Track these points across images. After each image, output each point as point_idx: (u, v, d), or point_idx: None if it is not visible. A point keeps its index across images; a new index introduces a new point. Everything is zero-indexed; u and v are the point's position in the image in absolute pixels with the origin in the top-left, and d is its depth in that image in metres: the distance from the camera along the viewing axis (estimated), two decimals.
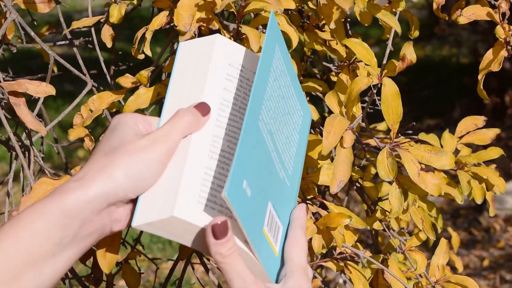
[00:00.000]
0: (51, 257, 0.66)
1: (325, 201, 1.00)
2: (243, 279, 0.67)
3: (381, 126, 1.39)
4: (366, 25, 1.10)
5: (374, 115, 1.24)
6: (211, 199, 0.70)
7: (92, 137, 0.94)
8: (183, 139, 0.72)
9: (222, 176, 0.72)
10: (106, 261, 0.80)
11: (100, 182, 0.67)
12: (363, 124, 1.07)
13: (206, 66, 0.77)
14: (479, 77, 1.00)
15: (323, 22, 1.09)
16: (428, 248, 1.39)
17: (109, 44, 1.03)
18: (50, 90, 0.93)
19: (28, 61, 4.61)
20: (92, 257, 0.90)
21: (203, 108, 0.73)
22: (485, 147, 1.12)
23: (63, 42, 1.19)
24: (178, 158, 0.71)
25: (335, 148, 0.91)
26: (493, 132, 1.12)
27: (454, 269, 1.51)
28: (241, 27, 0.91)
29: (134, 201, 0.71)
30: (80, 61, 1.06)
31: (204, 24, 0.92)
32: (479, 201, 1.05)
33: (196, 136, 0.72)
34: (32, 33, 1.03)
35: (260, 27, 1.06)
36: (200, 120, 0.72)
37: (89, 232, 0.68)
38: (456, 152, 1.09)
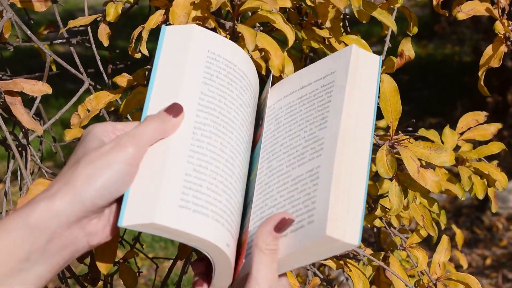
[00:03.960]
0: (19, 274, 0.64)
1: None
2: (273, 275, 0.69)
3: (382, 123, 1.38)
4: (364, 22, 1.09)
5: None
6: (195, 202, 0.68)
7: None
8: (164, 139, 0.71)
9: (200, 181, 0.70)
10: (104, 261, 0.79)
11: (64, 194, 0.65)
12: None
13: (184, 59, 0.76)
14: (480, 73, 0.99)
15: None
16: (431, 245, 1.38)
17: (105, 43, 1.02)
18: (46, 89, 0.92)
19: (30, 60, 4.61)
20: (89, 256, 0.89)
21: (174, 110, 0.72)
22: (486, 143, 1.11)
23: (61, 41, 1.18)
24: (158, 159, 0.70)
25: None
26: (495, 127, 1.11)
27: (459, 267, 1.51)
28: (237, 26, 0.90)
29: (110, 212, 0.70)
30: (77, 60, 1.05)
31: (200, 23, 0.91)
32: (480, 196, 1.04)
33: (175, 136, 0.71)
34: (28, 32, 1.02)
35: (257, 24, 1.05)
36: (171, 123, 0.71)
37: (59, 247, 0.66)
38: (457, 148, 1.09)
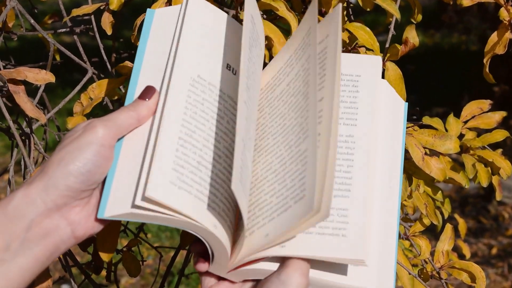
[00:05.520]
0: (1, 265, 0.63)
1: None
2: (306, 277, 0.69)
3: None
4: (368, 10, 1.08)
5: None
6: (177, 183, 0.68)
7: None
8: (146, 124, 0.72)
9: (186, 165, 0.69)
10: (105, 249, 0.79)
11: (39, 181, 0.66)
12: None
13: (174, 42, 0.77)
14: (485, 60, 0.98)
15: None
16: (436, 234, 1.38)
17: (108, 32, 1.02)
18: (50, 77, 0.92)
19: (37, 50, 4.62)
20: (92, 245, 0.89)
21: (147, 94, 0.72)
22: (491, 132, 1.10)
23: (65, 30, 1.18)
24: (139, 146, 0.70)
25: None
26: (499, 115, 1.10)
27: (461, 256, 1.51)
28: (240, 13, 0.90)
29: (96, 201, 0.70)
30: (81, 49, 1.05)
31: None
32: (484, 184, 1.04)
33: (162, 125, 0.70)
34: (32, 21, 1.02)
35: (261, 12, 1.05)
36: (145, 106, 0.72)
37: (40, 236, 0.66)
38: (461, 137, 1.08)
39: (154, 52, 0.77)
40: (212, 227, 0.68)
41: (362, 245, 0.68)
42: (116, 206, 0.67)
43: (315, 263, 0.71)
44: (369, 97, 0.78)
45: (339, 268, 0.71)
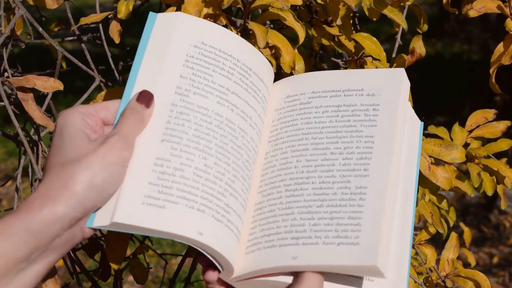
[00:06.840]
0: (18, 273, 0.64)
1: None
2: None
3: None
4: (374, 19, 1.09)
5: None
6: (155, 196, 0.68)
7: None
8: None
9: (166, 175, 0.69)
10: (115, 256, 0.80)
11: (66, 199, 0.65)
12: None
13: (164, 50, 0.75)
14: (491, 70, 0.99)
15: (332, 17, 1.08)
16: (440, 243, 1.38)
17: (116, 40, 1.03)
18: (58, 85, 0.93)
19: (40, 56, 4.62)
20: (100, 251, 0.90)
21: (145, 100, 0.72)
22: (495, 141, 1.11)
23: (71, 38, 1.19)
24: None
25: None
26: (504, 124, 1.11)
27: (466, 264, 1.51)
28: (248, 23, 0.90)
29: None
30: (88, 57, 1.06)
31: (212, 20, 0.92)
32: (490, 193, 1.04)
33: (143, 135, 0.71)
34: (40, 29, 1.03)
35: (268, 22, 1.06)
36: (147, 113, 0.71)
37: (59, 246, 0.66)
38: (466, 146, 1.09)
39: (151, 63, 0.75)
40: (196, 235, 0.67)
41: (375, 251, 0.65)
42: (104, 217, 0.67)
43: (328, 277, 0.70)
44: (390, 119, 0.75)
45: (353, 282, 0.71)
